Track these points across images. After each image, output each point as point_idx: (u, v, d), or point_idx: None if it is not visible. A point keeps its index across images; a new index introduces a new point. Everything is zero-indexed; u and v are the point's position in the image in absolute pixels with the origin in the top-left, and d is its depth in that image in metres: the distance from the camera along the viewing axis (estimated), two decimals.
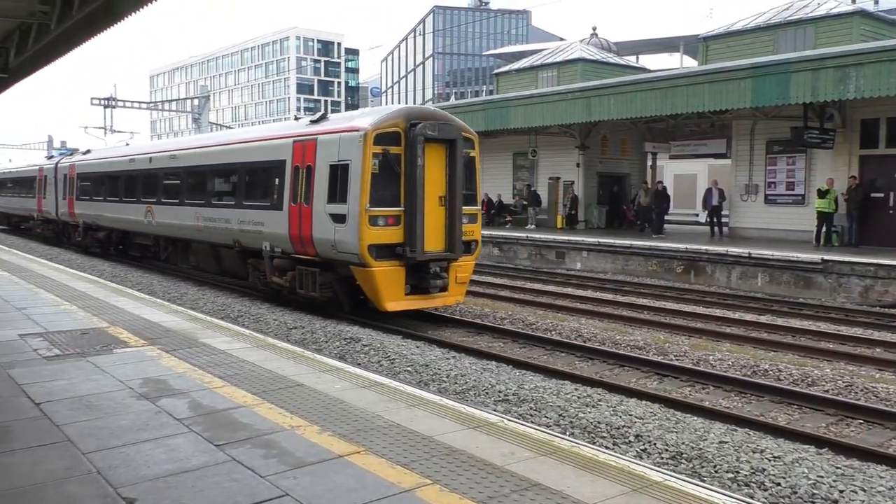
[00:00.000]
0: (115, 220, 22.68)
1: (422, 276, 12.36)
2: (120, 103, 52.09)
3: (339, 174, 12.45)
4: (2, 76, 11.46)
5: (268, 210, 14.35)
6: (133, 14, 10.70)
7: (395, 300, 12.24)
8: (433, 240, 12.33)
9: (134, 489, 4.15)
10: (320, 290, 13.24)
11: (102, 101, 50.71)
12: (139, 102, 56.11)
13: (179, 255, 19.45)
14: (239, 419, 5.46)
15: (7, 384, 6.34)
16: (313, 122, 14.11)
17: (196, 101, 61.60)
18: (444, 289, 12.65)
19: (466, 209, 12.80)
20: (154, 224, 19.75)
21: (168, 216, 18.81)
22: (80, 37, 12.20)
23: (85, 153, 28.14)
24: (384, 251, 12.00)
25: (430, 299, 12.73)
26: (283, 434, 5.12)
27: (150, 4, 10.29)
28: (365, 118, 12.59)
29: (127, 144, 30.38)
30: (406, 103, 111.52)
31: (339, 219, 12.35)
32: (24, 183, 33.20)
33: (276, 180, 14.22)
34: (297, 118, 15.89)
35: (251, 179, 15.43)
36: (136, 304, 11.24)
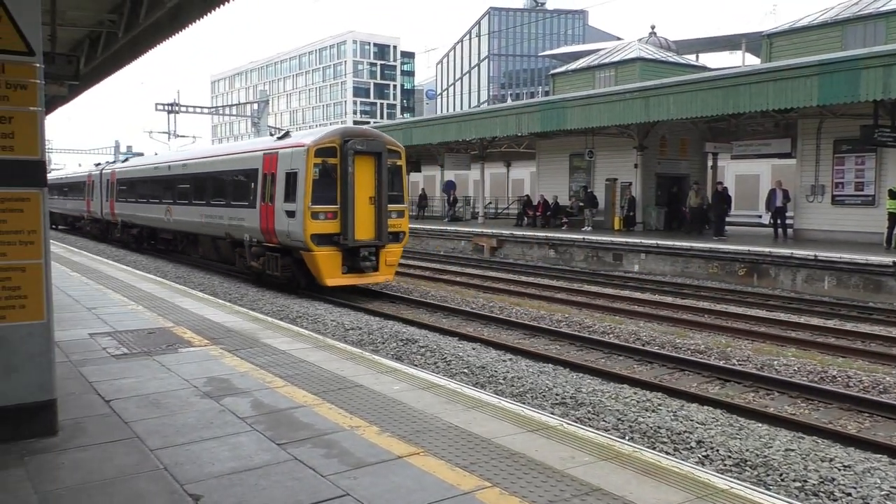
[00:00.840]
0: (144, 218, 26.45)
1: (355, 259, 15.41)
2: (183, 109, 53.45)
3: (291, 180, 15.61)
4: (73, 83, 11.87)
5: (246, 208, 17.75)
6: (196, 22, 10.99)
7: (334, 277, 15.37)
8: (363, 230, 15.40)
9: (199, 486, 4.24)
10: (282, 271, 16.37)
11: (166, 107, 52.12)
12: (201, 108, 57.49)
13: (191, 246, 23.35)
14: (300, 419, 5.53)
15: (79, 381, 6.55)
16: (279, 138, 17.52)
17: (255, 106, 62.82)
18: (375, 269, 15.74)
19: (393, 207, 15.89)
20: (171, 221, 23.53)
21: (181, 214, 22.53)
22: (146, 44, 12.59)
23: (123, 161, 33.25)
24: (324, 239, 15.10)
25: (362, 277, 15.79)
26: (343, 434, 5.17)
27: (212, 13, 10.56)
28: (310, 137, 15.88)
29: (156, 154, 34.48)
30: (461, 106, 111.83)
31: (291, 214, 15.51)
32: (77, 187, 37.41)
33: (252, 185, 17.56)
34: (271, 134, 18.85)
35: (236, 184, 18.80)
36: (199, 305, 11.50)
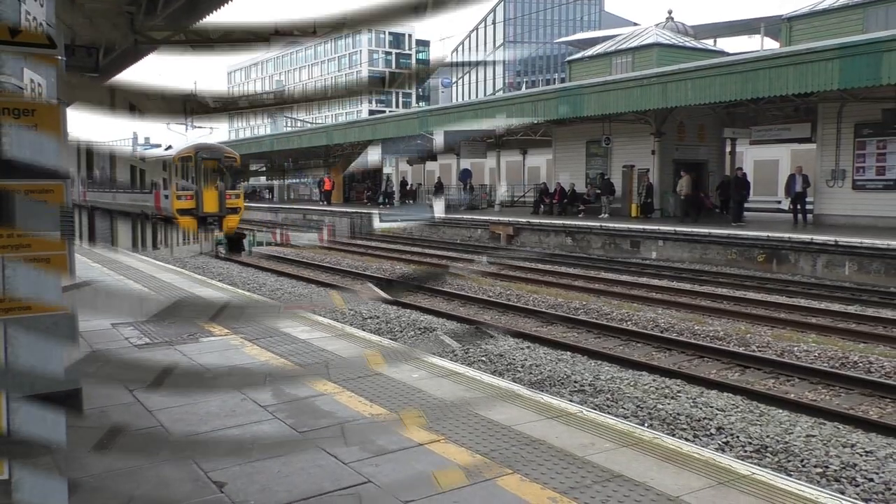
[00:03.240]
0: (101, 202, 35.41)
1: (206, 224, 23.81)
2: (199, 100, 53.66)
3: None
4: (92, 76, 11.94)
5: (149, 194, 26.40)
6: (214, 12, 11.01)
7: None
8: (210, 206, 24.03)
9: (223, 473, 4.29)
10: None
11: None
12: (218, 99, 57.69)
13: None
14: (321, 407, 5.57)
15: None
16: (166, 149, 26.40)
17: (271, 97, 62.77)
18: (220, 230, 24.16)
19: (230, 192, 24.75)
20: (115, 204, 32.12)
21: (119, 199, 31.20)
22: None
23: None
24: (186, 212, 23.77)
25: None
26: (364, 422, 5.20)
27: (228, 4, 10.58)
28: (178, 150, 24.61)
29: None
30: (476, 94, 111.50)
31: (167, 197, 24.17)
32: None
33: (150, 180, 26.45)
34: (164, 147, 27.69)
35: (143, 179, 27.63)
36: (218, 295, 11.59)
